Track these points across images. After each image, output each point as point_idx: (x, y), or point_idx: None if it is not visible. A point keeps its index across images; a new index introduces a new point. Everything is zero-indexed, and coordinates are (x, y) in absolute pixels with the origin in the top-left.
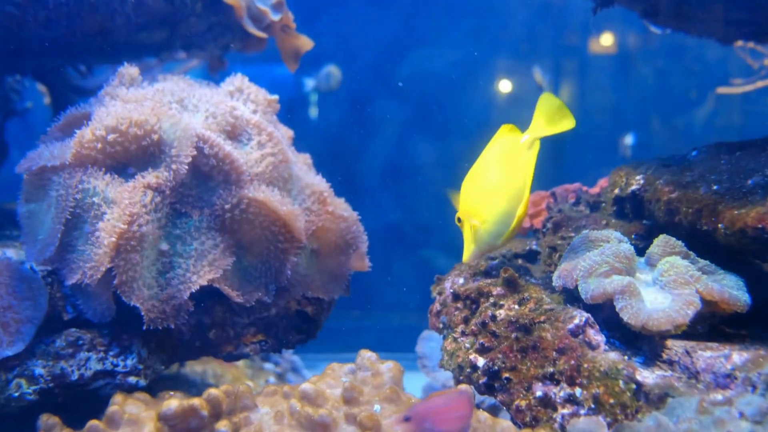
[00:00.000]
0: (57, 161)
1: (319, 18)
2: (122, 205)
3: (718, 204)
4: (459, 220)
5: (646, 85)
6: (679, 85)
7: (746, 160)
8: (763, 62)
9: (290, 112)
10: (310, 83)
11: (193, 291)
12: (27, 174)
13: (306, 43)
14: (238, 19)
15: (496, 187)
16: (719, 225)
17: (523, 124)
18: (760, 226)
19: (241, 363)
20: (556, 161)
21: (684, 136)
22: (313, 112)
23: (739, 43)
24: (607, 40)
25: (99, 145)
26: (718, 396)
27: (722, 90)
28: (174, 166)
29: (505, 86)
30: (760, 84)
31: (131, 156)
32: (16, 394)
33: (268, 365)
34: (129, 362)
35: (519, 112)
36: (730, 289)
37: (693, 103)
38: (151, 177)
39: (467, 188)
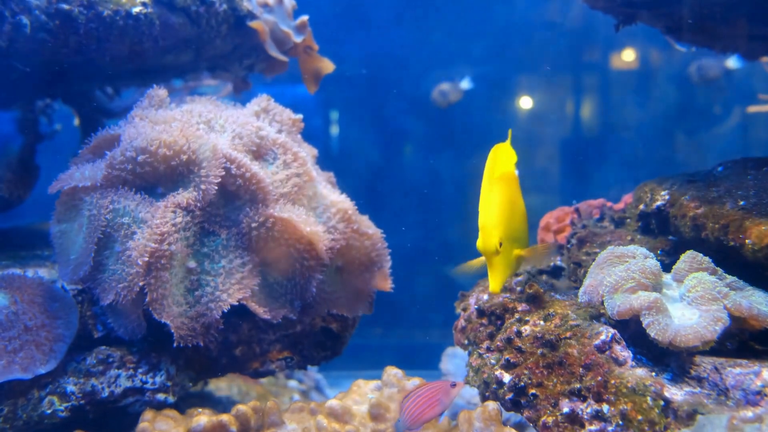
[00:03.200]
0: (88, 182)
1: (342, 38)
2: (153, 224)
3: (746, 219)
4: (501, 245)
5: (670, 101)
6: (703, 101)
7: None
8: None
9: (313, 130)
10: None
11: (225, 310)
12: (60, 195)
13: (327, 65)
14: (262, 43)
15: (523, 217)
16: (747, 241)
17: (543, 140)
18: None
19: (265, 380)
20: (580, 177)
21: (709, 151)
22: (335, 130)
23: (765, 59)
24: (629, 55)
25: (129, 166)
26: (749, 413)
27: (753, 109)
28: (203, 186)
29: (526, 103)
30: None
31: (160, 176)
32: (49, 411)
33: (292, 383)
34: (158, 379)
35: (541, 129)
36: (759, 306)
37: (718, 119)
38: (180, 197)
39: (505, 217)
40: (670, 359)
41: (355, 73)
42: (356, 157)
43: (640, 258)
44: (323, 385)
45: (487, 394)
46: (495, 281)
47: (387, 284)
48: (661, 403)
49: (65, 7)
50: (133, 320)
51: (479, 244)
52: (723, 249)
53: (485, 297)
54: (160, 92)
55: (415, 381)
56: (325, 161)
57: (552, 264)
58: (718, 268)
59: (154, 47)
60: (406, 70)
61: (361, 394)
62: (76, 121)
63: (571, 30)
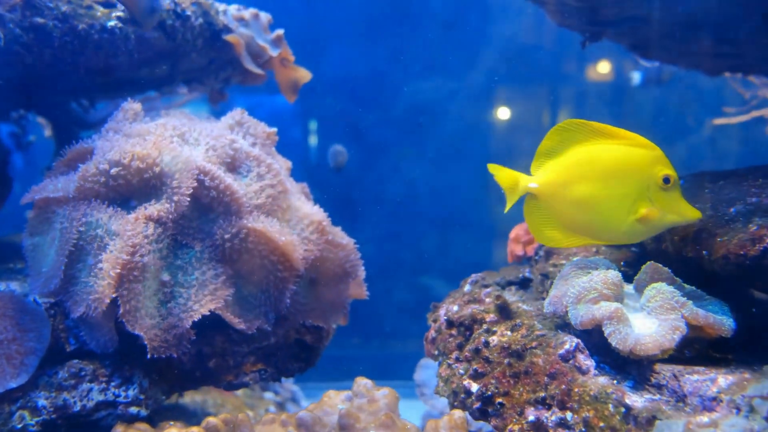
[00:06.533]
0: (60, 193)
1: (319, 51)
2: (124, 236)
3: (702, 232)
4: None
5: (643, 113)
6: (675, 114)
7: (729, 189)
8: (756, 92)
9: (291, 141)
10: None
11: (195, 320)
12: (32, 207)
13: (304, 74)
14: (238, 57)
15: None
16: (703, 252)
17: (519, 152)
18: (741, 252)
19: (241, 392)
20: None
21: (681, 164)
22: (314, 140)
23: (727, 74)
24: (604, 68)
25: (102, 179)
26: (705, 418)
27: (718, 121)
28: (175, 198)
29: (503, 114)
30: (755, 113)
31: (134, 189)
32: (19, 426)
33: (269, 395)
34: (131, 393)
35: (516, 140)
36: (715, 314)
37: (690, 131)
38: (152, 209)
39: None
40: (631, 367)
41: (333, 84)
42: (333, 168)
43: (602, 269)
44: (300, 396)
45: (455, 403)
46: (692, 207)
47: (362, 292)
48: (622, 410)
49: (39, 20)
50: (105, 333)
51: (671, 170)
52: (682, 260)
53: (455, 308)
54: (134, 106)
55: (384, 391)
56: (302, 172)
57: (521, 275)
58: (678, 279)
59: (129, 61)
60: (383, 82)
61: (332, 404)
62: (47, 132)
63: (547, 42)
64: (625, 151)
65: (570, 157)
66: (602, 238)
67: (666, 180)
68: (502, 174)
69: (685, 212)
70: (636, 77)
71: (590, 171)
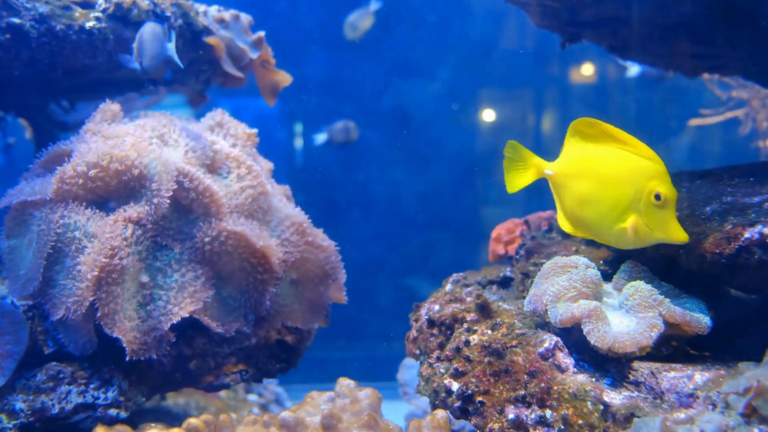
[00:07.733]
0: (38, 196)
1: (303, 54)
2: (103, 238)
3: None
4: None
5: (627, 114)
6: (658, 115)
7: (705, 188)
8: (731, 93)
9: (275, 143)
10: (321, 137)
11: (174, 323)
12: (9, 210)
13: (285, 78)
14: (218, 59)
15: None
16: (680, 250)
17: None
18: (717, 251)
19: (224, 394)
20: (538, 189)
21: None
22: (299, 142)
23: (706, 75)
24: (587, 70)
25: (80, 181)
26: (681, 415)
27: (694, 122)
28: (155, 200)
29: (488, 116)
30: (729, 114)
31: (112, 191)
32: None
33: (252, 397)
34: (110, 395)
35: (499, 141)
36: (692, 312)
37: (672, 132)
38: (132, 211)
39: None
40: (610, 365)
41: (317, 86)
42: (318, 169)
43: (582, 268)
44: (284, 398)
45: (436, 402)
46: (681, 229)
47: (341, 296)
48: (601, 407)
49: (16, 21)
50: (83, 335)
51: (667, 189)
52: (660, 258)
53: (436, 308)
54: (112, 107)
55: (367, 391)
56: (287, 174)
57: (502, 274)
58: (656, 277)
59: (108, 61)
60: (366, 85)
61: (315, 405)
62: (28, 134)
63: (530, 44)
64: (626, 159)
65: (580, 152)
66: (598, 237)
67: (657, 197)
68: (521, 153)
69: (671, 232)
70: (634, 69)
71: (592, 170)
